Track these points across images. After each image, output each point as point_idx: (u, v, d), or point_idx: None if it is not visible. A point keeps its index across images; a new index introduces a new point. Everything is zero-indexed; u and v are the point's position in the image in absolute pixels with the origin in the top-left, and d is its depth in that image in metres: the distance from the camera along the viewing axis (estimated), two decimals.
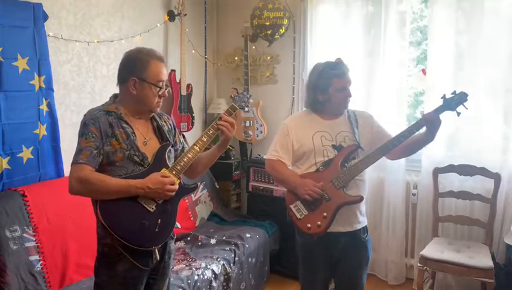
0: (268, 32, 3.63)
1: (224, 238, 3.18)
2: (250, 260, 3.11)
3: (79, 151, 1.67)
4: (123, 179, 1.68)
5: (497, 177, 2.95)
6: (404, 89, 3.42)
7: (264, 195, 3.66)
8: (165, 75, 1.80)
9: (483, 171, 2.99)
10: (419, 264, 2.87)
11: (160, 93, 1.78)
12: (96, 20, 3.03)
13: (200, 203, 3.63)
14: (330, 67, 2.12)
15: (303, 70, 3.81)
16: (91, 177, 1.64)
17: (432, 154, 3.25)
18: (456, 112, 2.01)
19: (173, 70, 3.61)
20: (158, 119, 1.90)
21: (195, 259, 2.83)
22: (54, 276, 2.39)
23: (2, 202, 2.32)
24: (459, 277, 3.04)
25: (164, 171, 1.76)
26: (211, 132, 1.86)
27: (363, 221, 2.16)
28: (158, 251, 1.79)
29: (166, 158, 1.81)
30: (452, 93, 2.02)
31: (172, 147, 1.88)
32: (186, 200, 3.48)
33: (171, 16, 3.67)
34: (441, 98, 2.03)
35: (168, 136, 1.88)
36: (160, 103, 1.83)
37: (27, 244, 2.32)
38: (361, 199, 2.07)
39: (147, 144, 1.79)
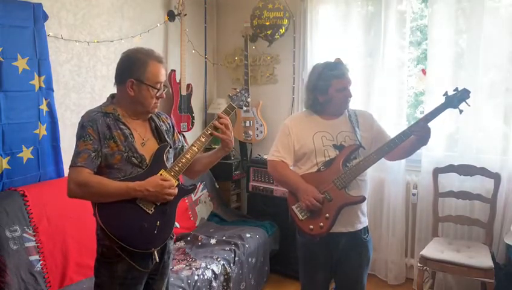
0: (268, 32, 3.63)
1: (224, 238, 3.18)
2: (250, 260, 3.11)
3: (77, 154, 1.66)
4: (122, 182, 1.67)
5: (497, 177, 2.95)
6: (404, 89, 3.42)
7: (264, 195, 3.66)
8: (163, 76, 1.78)
9: (483, 171, 2.99)
10: (419, 264, 2.87)
11: (157, 95, 1.77)
12: (96, 20, 3.03)
13: (200, 203, 3.63)
14: (329, 68, 2.12)
15: (303, 70, 3.81)
16: (90, 181, 1.63)
17: (432, 154, 3.25)
18: (458, 109, 2.01)
19: (173, 70, 3.61)
20: (156, 119, 1.89)
21: (195, 259, 2.83)
22: (54, 276, 2.39)
23: (2, 202, 2.32)
24: (459, 277, 3.04)
25: (163, 172, 1.75)
26: (209, 132, 1.85)
27: (364, 221, 2.16)
28: (157, 252, 1.78)
29: (165, 159, 1.80)
30: (454, 90, 2.02)
31: (170, 147, 1.87)
32: (186, 200, 3.48)
33: (171, 16, 3.67)
34: (443, 95, 2.03)
35: (166, 136, 1.87)
36: (158, 104, 1.82)
37: (27, 244, 2.32)
38: (363, 199, 2.07)
39: (145, 144, 1.78)
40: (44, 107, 2.63)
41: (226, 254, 2.92)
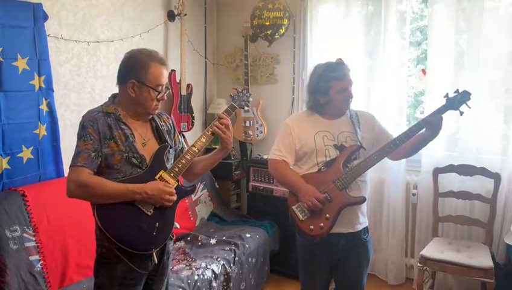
0: (268, 32, 3.63)
1: (224, 238, 3.18)
2: (250, 260, 3.11)
3: (77, 154, 1.66)
4: (121, 184, 1.67)
5: (497, 177, 2.95)
6: (404, 89, 3.42)
7: (264, 195, 3.66)
8: (165, 78, 1.77)
9: (483, 171, 2.99)
10: (419, 264, 2.87)
11: (158, 97, 1.76)
12: (96, 20, 3.03)
13: (200, 203, 3.63)
14: (330, 70, 2.11)
15: (303, 70, 3.81)
16: (89, 181, 1.63)
17: (432, 154, 3.25)
18: (459, 111, 2.01)
19: (173, 71, 3.61)
20: (157, 119, 1.89)
21: (195, 259, 2.83)
22: (54, 276, 2.39)
23: (2, 202, 2.32)
24: (459, 277, 3.04)
25: (162, 173, 1.74)
26: (209, 132, 1.85)
27: (364, 222, 2.16)
28: (156, 253, 1.77)
29: (165, 160, 1.80)
30: (455, 92, 2.02)
31: (171, 148, 1.86)
32: (186, 200, 3.48)
33: (171, 16, 3.67)
34: (444, 97, 2.03)
35: (167, 136, 1.87)
36: (159, 106, 1.81)
37: (27, 244, 2.32)
38: (363, 199, 2.06)
39: (146, 145, 1.78)
40: (44, 107, 2.63)
41: (226, 254, 2.92)
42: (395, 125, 3.27)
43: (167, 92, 1.83)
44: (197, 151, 1.82)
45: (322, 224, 2.01)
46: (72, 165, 1.65)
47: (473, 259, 2.75)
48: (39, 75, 2.58)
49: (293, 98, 3.91)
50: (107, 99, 1.84)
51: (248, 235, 3.23)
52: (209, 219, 3.66)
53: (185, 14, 3.64)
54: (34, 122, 2.58)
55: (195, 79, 3.97)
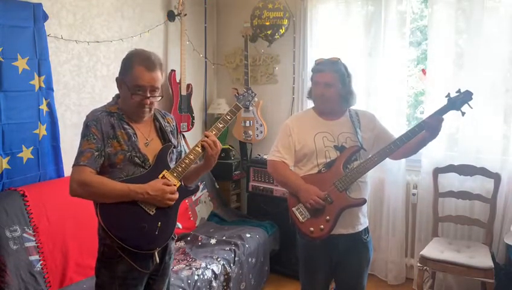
0: (268, 32, 3.63)
1: (224, 238, 3.18)
2: (250, 260, 3.11)
3: (80, 153, 1.67)
4: (123, 183, 1.67)
5: (497, 177, 2.95)
6: (404, 89, 3.42)
7: (264, 195, 3.66)
8: (144, 81, 1.69)
9: (483, 171, 2.99)
10: (419, 264, 2.87)
11: (136, 98, 1.70)
12: (96, 20, 3.03)
13: (200, 203, 3.63)
14: (316, 62, 2.16)
15: (303, 70, 3.81)
16: (92, 180, 1.64)
17: (432, 154, 3.25)
18: (460, 111, 2.00)
19: (173, 71, 3.61)
20: (161, 119, 1.88)
21: (195, 259, 2.83)
22: (54, 276, 2.39)
23: (2, 202, 2.31)
24: (459, 277, 3.04)
25: (165, 172, 1.74)
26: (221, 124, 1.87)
27: (364, 222, 2.15)
28: (158, 253, 1.77)
29: (168, 159, 1.80)
30: (457, 92, 2.01)
31: (174, 147, 1.86)
32: (186, 200, 3.48)
33: (171, 16, 3.67)
34: (446, 96, 2.02)
35: (171, 137, 1.87)
36: (146, 110, 1.76)
37: (27, 244, 2.31)
38: (364, 201, 2.06)
39: (149, 145, 1.78)
40: (44, 107, 2.63)
41: (226, 254, 2.92)
42: (395, 126, 3.26)
43: (157, 97, 1.76)
44: (200, 151, 1.81)
45: (322, 226, 2.01)
46: (75, 165, 1.66)
47: (473, 259, 2.74)
48: (39, 75, 2.58)
49: (293, 98, 3.90)
50: (107, 99, 1.85)
51: (248, 235, 3.23)
52: (209, 219, 3.66)
53: (185, 14, 3.64)
54: (34, 122, 2.58)
55: (195, 79, 3.97)
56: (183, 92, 3.65)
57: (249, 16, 3.73)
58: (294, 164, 2.18)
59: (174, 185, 1.74)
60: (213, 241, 3.12)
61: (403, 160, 3.31)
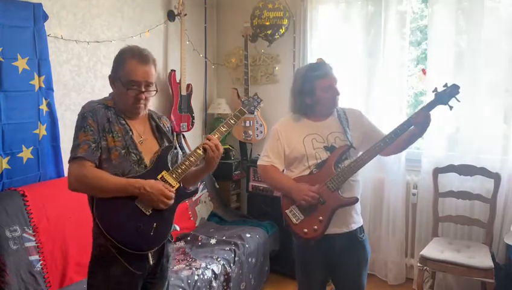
0: (269, 32, 3.63)
1: (224, 238, 3.18)
2: (250, 260, 3.11)
3: (77, 146, 1.62)
4: (122, 178, 1.65)
5: (497, 177, 2.95)
6: (404, 89, 3.42)
7: (264, 195, 3.66)
8: (138, 76, 1.69)
9: (483, 171, 2.99)
10: (419, 264, 2.87)
11: (131, 94, 1.70)
12: (96, 20, 3.03)
13: (200, 203, 3.63)
14: (312, 70, 2.11)
15: None
16: (90, 174, 1.60)
17: (432, 154, 3.25)
18: (448, 105, 1.99)
19: (173, 71, 3.61)
20: (157, 120, 1.86)
21: (195, 259, 2.83)
22: (54, 276, 2.39)
23: (2, 202, 2.31)
24: (459, 277, 3.04)
25: (164, 173, 1.71)
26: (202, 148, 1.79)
27: (358, 221, 2.15)
28: (152, 255, 1.74)
29: (168, 161, 1.78)
30: (444, 86, 2.00)
31: (175, 148, 1.85)
32: (187, 200, 3.48)
33: (171, 16, 3.67)
34: (433, 91, 2.01)
35: (170, 137, 1.85)
36: (141, 106, 1.74)
37: (27, 244, 2.31)
38: (356, 200, 2.06)
39: (143, 143, 1.75)
40: (44, 107, 2.63)
41: (226, 254, 2.92)
42: (395, 126, 3.25)
43: (151, 92, 1.75)
44: (201, 153, 1.78)
45: (315, 227, 2.01)
46: (73, 157, 1.62)
47: (473, 259, 2.74)
48: (39, 75, 2.58)
49: None
50: None
51: (248, 235, 3.23)
52: (209, 219, 3.66)
53: (185, 14, 3.64)
54: (34, 122, 2.58)
55: (195, 79, 3.97)
56: (183, 92, 3.65)
57: (249, 16, 3.73)
58: (286, 167, 2.18)
59: (173, 187, 1.70)
60: (213, 241, 3.12)
61: (403, 160, 3.31)
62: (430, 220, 3.22)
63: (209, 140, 1.80)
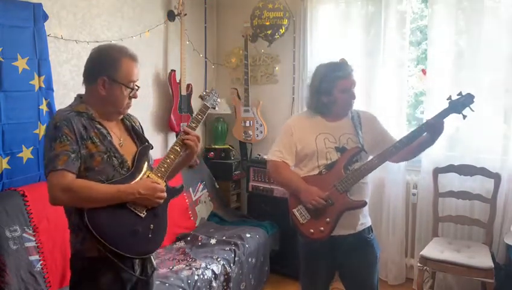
0: (269, 32, 3.63)
1: (224, 238, 3.18)
2: (250, 260, 3.11)
3: (55, 157, 1.50)
4: (112, 185, 1.57)
5: (497, 177, 2.95)
6: (404, 89, 3.42)
7: (264, 195, 3.66)
8: (136, 75, 1.67)
9: (483, 171, 2.99)
10: (419, 264, 2.87)
11: (131, 94, 1.68)
12: (96, 20, 3.03)
13: (200, 203, 3.63)
14: (333, 69, 2.09)
15: (303, 71, 3.81)
16: (75, 185, 1.51)
17: (432, 154, 3.25)
18: (462, 114, 1.98)
19: (173, 71, 3.61)
20: (129, 119, 1.81)
21: (195, 259, 2.83)
22: (54, 276, 2.39)
23: (2, 202, 2.31)
24: (459, 277, 3.04)
25: (149, 173, 1.68)
26: (180, 144, 1.78)
27: (366, 222, 2.14)
28: (138, 261, 1.69)
29: (148, 160, 1.74)
30: (458, 95, 1.99)
31: (152, 148, 1.80)
32: (186, 200, 3.48)
33: (171, 15, 3.67)
34: (447, 99, 1.99)
35: (145, 137, 1.81)
36: (131, 105, 1.72)
37: (27, 244, 2.31)
38: (364, 203, 2.05)
39: (123, 145, 1.70)
40: (44, 107, 2.62)
41: (226, 254, 2.92)
42: (395, 126, 3.27)
43: (137, 89, 1.73)
44: (179, 150, 1.76)
45: (322, 228, 2.00)
46: (52, 170, 1.50)
47: (473, 259, 2.74)
48: (39, 75, 2.58)
49: (293, 98, 3.91)
50: None
51: (248, 235, 3.23)
52: (209, 219, 3.66)
53: (185, 14, 3.64)
54: (34, 122, 2.58)
55: (195, 79, 3.97)
56: (183, 92, 3.65)
57: (249, 16, 3.73)
58: (296, 164, 2.17)
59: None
60: (213, 241, 3.12)
61: None
62: (430, 220, 3.22)
63: (187, 134, 1.78)
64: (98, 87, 1.63)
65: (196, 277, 2.59)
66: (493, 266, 2.67)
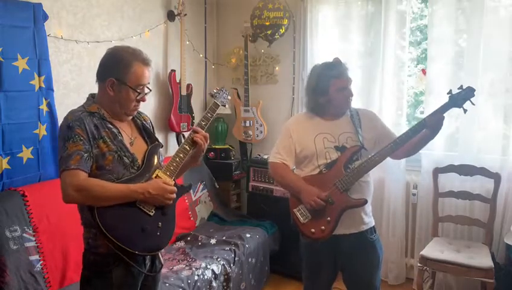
0: (269, 32, 3.63)
1: (224, 238, 3.18)
2: (250, 260, 3.11)
3: (68, 157, 1.55)
4: (122, 184, 1.61)
5: (497, 177, 2.95)
6: (404, 89, 3.42)
7: (264, 195, 3.66)
8: (147, 79, 1.70)
9: (483, 171, 2.99)
10: (419, 264, 2.87)
11: (138, 98, 1.70)
12: (96, 20, 3.03)
13: (200, 203, 3.63)
14: (328, 69, 2.10)
15: (303, 71, 3.81)
16: (89, 184, 1.56)
17: (432, 154, 3.25)
18: (463, 108, 1.97)
19: (173, 71, 3.61)
20: (140, 118, 1.85)
21: (195, 259, 2.83)
22: (54, 276, 2.39)
23: (2, 202, 2.31)
24: (459, 277, 3.04)
25: (158, 172, 1.71)
26: (190, 141, 1.81)
27: (369, 222, 2.14)
28: (148, 257, 1.74)
29: (158, 159, 1.77)
30: (459, 88, 1.98)
31: (162, 146, 1.83)
32: (186, 200, 3.48)
33: (171, 15, 3.67)
34: (447, 93, 1.99)
35: (156, 136, 1.84)
36: (138, 107, 1.75)
37: (27, 244, 2.31)
38: (365, 202, 2.05)
39: (134, 144, 1.73)
40: (44, 107, 2.63)
41: (226, 254, 2.92)
42: (395, 126, 3.27)
43: (148, 93, 1.75)
44: (188, 149, 1.79)
45: (323, 227, 2.00)
46: (65, 169, 1.55)
47: (473, 259, 2.74)
48: (39, 75, 2.58)
49: (293, 98, 3.91)
50: None
51: (248, 235, 3.23)
52: (209, 219, 3.66)
53: (185, 14, 3.64)
54: (34, 122, 2.58)
55: (195, 79, 3.97)
56: (183, 92, 3.65)
57: (249, 16, 3.73)
58: (296, 165, 2.18)
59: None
60: (213, 241, 3.12)
61: (403, 159, 3.31)
62: (430, 220, 3.22)
63: (197, 132, 1.81)
64: (107, 88, 1.67)
65: (196, 277, 2.59)
66: (493, 266, 2.67)
